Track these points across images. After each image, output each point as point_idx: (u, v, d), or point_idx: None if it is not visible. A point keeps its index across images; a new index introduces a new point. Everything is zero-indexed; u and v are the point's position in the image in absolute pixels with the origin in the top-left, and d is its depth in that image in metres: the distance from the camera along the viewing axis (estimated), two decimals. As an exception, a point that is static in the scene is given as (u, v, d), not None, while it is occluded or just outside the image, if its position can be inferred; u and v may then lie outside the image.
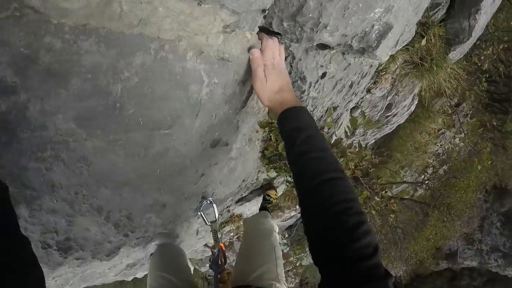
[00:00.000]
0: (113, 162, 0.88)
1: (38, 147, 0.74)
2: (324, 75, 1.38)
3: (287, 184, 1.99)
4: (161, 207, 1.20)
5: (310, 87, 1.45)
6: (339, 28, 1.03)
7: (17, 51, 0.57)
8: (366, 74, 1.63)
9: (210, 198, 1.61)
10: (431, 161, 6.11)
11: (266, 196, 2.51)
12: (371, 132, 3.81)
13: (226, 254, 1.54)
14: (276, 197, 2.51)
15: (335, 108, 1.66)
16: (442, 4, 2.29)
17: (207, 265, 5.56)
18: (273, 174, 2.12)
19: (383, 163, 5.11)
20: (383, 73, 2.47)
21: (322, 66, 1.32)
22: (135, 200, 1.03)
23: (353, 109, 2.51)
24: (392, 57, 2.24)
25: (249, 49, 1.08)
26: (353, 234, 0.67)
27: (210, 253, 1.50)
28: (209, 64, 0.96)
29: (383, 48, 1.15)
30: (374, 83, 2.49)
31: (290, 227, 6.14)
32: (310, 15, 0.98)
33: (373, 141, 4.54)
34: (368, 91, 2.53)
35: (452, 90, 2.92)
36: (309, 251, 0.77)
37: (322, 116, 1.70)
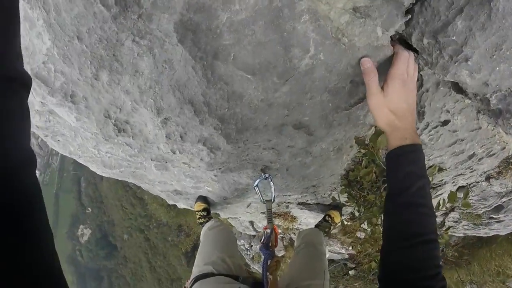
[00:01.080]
0: (190, 76, 0.97)
1: (138, 33, 0.87)
2: (446, 123, 1.17)
3: (351, 215, 1.81)
4: (215, 146, 1.27)
5: (425, 128, 1.25)
6: (481, 70, 0.86)
7: None
8: (494, 155, 1.30)
9: (268, 174, 1.61)
10: (502, 293, 4.91)
11: (327, 217, 2.36)
12: (464, 225, 3.36)
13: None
14: (337, 222, 2.33)
15: (440, 170, 1.39)
16: None
17: (242, 241, 5.69)
18: (344, 199, 1.97)
19: (456, 264, 4.41)
20: (513, 167, 1.98)
21: (448, 112, 1.12)
22: (192, 122, 1.11)
23: (460, 188, 2.10)
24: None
25: (370, 54, 0.98)
26: None
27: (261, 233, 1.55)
28: (322, 37, 0.94)
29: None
30: (498, 173, 2.04)
31: (329, 261, 5.76)
32: (454, 37, 0.84)
33: (462, 235, 4.06)
34: (487, 179, 2.09)
35: None
36: None
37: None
